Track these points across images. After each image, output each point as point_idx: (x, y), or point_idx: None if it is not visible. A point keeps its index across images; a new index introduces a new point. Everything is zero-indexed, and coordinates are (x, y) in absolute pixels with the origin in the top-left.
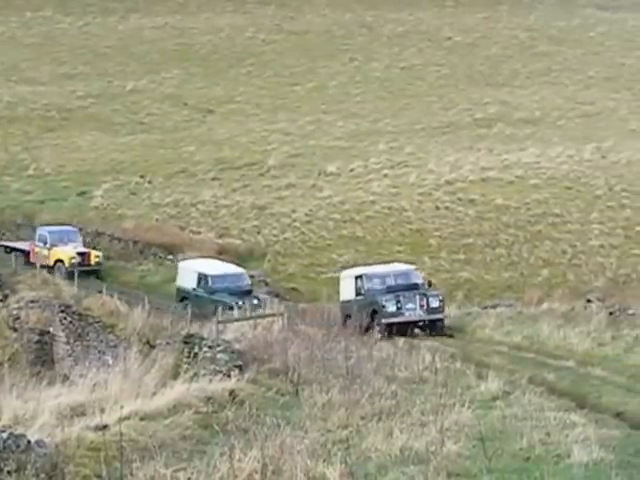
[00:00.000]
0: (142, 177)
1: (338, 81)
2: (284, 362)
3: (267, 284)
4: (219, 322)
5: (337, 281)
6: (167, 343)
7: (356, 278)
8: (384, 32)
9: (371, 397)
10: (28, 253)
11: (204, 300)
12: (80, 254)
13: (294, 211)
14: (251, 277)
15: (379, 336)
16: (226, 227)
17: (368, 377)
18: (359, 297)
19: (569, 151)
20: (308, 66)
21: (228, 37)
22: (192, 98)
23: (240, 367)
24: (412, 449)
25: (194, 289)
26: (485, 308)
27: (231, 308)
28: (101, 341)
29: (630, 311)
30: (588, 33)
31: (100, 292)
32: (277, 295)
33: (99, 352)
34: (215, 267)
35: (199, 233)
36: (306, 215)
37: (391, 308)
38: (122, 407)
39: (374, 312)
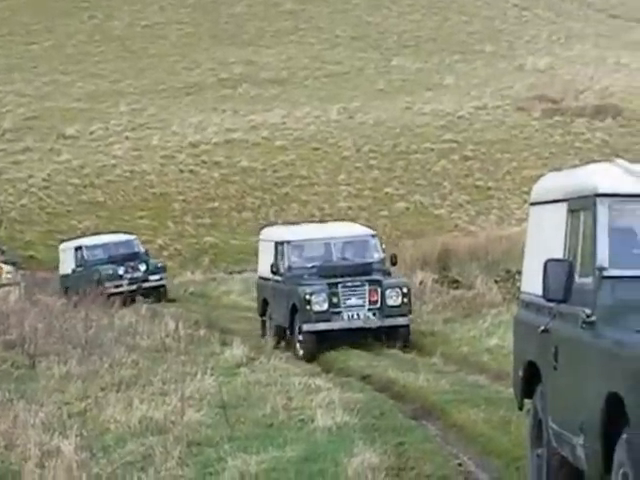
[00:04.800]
0: None
1: (77, 40)
2: (20, 333)
3: (3, 252)
4: None
5: None
6: None
7: (276, 245)
8: None
9: (111, 367)
10: None
11: (84, 277)
12: None
13: (31, 176)
14: None
15: (301, 352)
16: None
17: (108, 347)
18: (278, 278)
19: (316, 112)
20: (45, 24)
21: None
22: None
23: None
24: (152, 419)
25: (74, 270)
26: (231, 273)
27: (113, 277)
28: None
29: None
30: None
31: None
32: (14, 264)
33: None
34: (94, 239)
35: None
36: (44, 180)
37: (320, 306)
38: None
39: (294, 309)
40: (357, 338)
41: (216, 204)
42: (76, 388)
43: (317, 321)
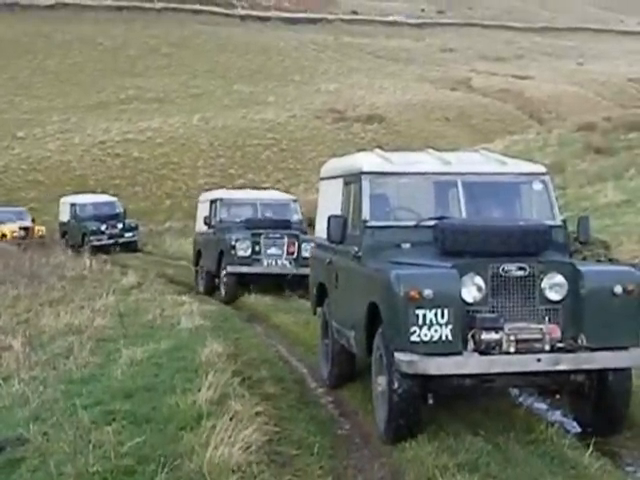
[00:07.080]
0: None
1: (25, 73)
2: None
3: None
4: None
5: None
6: None
7: (211, 203)
8: (58, 38)
9: (47, 290)
10: None
11: (76, 228)
12: (23, 229)
13: None
14: None
15: (223, 292)
16: None
17: (45, 276)
18: (210, 231)
19: (183, 120)
20: (2, 63)
21: None
22: None
23: None
24: (73, 324)
25: (69, 220)
26: None
27: (96, 232)
28: None
29: None
30: (195, 40)
31: None
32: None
33: None
34: (86, 198)
35: None
36: (3, 167)
37: (244, 252)
38: None
39: (221, 254)
40: (272, 283)
41: (117, 181)
42: (23, 304)
43: (240, 264)
